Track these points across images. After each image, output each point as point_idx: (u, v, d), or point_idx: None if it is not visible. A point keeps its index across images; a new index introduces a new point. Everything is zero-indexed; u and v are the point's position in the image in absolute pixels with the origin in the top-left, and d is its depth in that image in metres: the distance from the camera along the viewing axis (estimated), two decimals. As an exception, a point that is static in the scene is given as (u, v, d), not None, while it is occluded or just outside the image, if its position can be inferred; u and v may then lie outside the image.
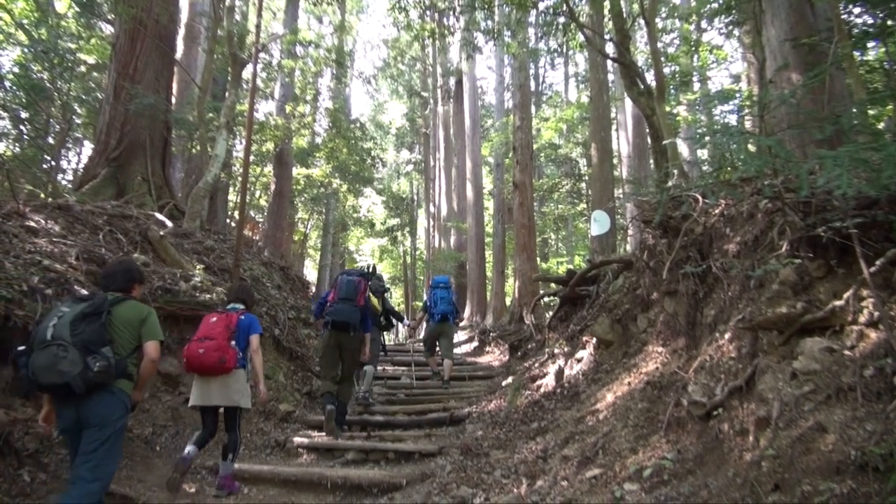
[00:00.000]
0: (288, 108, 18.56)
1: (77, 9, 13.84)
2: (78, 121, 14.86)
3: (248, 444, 6.54)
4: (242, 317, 5.19)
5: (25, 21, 13.61)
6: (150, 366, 3.74)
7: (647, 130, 9.60)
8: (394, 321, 8.66)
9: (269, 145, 17.89)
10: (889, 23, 5.60)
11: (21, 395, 4.61)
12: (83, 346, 3.37)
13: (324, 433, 6.47)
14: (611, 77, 18.53)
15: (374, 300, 7.52)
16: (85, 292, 5.37)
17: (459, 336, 13.67)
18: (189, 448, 4.87)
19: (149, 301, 6.45)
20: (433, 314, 8.88)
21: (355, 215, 29.42)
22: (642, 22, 8.99)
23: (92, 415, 3.43)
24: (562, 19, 11.06)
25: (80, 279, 6.03)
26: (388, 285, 7.54)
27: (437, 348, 9.12)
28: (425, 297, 10.00)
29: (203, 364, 4.83)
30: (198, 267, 7.95)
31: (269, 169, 19.72)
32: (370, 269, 8.10)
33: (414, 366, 10.37)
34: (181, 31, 14.10)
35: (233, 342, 4.98)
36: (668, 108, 9.56)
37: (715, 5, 12.40)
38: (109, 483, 3.71)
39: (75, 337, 3.37)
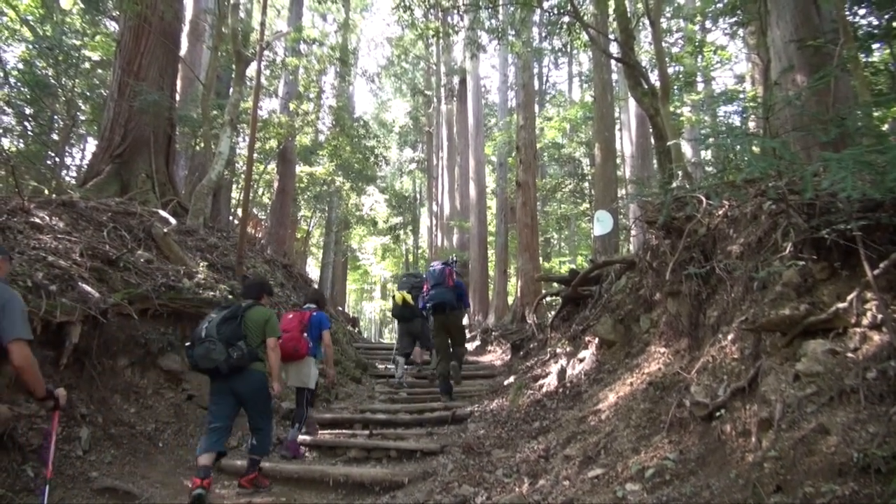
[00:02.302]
0: (292, 106, 18.57)
1: (82, 5, 13.88)
2: (82, 117, 14.88)
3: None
4: (314, 314, 6.52)
5: (30, 17, 13.65)
6: (271, 353, 5.16)
7: (651, 131, 9.60)
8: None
9: (273, 143, 17.92)
10: (895, 24, 5.60)
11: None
12: (226, 341, 4.78)
13: (326, 431, 6.54)
14: (615, 77, 18.53)
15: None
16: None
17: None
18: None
19: (152, 298, 6.48)
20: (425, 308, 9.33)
21: (358, 213, 29.42)
22: (647, 22, 8.99)
23: (240, 388, 4.94)
24: (566, 19, 11.06)
25: (84, 275, 6.05)
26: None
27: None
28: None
29: (282, 352, 5.67)
30: (201, 264, 7.97)
31: (272, 166, 19.74)
32: (453, 260, 8.88)
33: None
34: (185, 29, 14.11)
35: (305, 334, 6.24)
36: (672, 109, 9.56)
37: (720, 6, 12.38)
38: (271, 427, 5.40)
39: (220, 334, 4.79)
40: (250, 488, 5.19)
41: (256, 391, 5.02)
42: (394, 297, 9.21)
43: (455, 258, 9.94)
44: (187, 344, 4.97)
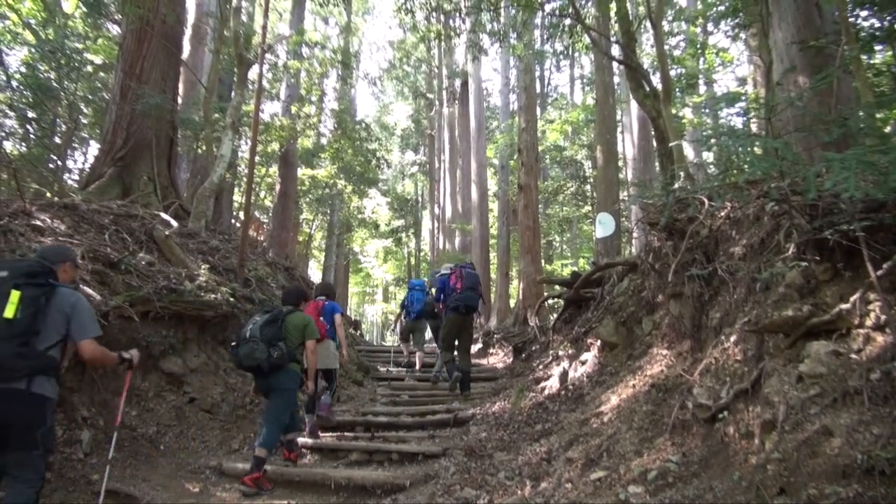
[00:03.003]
0: (293, 109, 18.59)
1: (84, 9, 13.86)
2: (84, 120, 14.89)
3: (252, 445, 6.55)
4: (326, 303, 7.17)
5: (33, 21, 13.67)
6: (311, 355, 5.79)
7: (653, 133, 9.59)
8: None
9: (275, 146, 17.92)
10: (896, 26, 5.59)
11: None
12: (267, 342, 5.26)
13: (327, 434, 6.54)
14: (616, 79, 18.51)
15: None
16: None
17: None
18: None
19: (154, 301, 6.47)
20: (409, 313, 10.57)
21: (360, 216, 29.42)
22: (649, 24, 8.99)
23: (275, 384, 5.42)
24: (568, 21, 11.06)
25: (85, 278, 6.05)
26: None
27: (410, 341, 11.08)
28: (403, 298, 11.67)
29: None
30: (203, 267, 7.96)
31: (274, 169, 19.74)
32: (471, 265, 9.39)
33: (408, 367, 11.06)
34: (188, 32, 14.13)
35: (321, 318, 6.82)
36: (673, 111, 9.54)
37: (721, 8, 12.37)
38: (285, 423, 5.67)
39: (263, 336, 5.28)
40: (253, 487, 5.11)
41: (286, 387, 5.49)
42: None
43: (471, 262, 10.75)
44: (233, 343, 5.60)
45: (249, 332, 5.33)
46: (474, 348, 14.70)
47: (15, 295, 3.24)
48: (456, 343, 8.45)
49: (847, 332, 3.01)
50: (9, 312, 3.20)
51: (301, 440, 6.39)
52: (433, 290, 9.84)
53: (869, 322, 2.92)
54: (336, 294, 8.25)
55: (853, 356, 2.86)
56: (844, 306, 3.03)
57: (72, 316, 3.46)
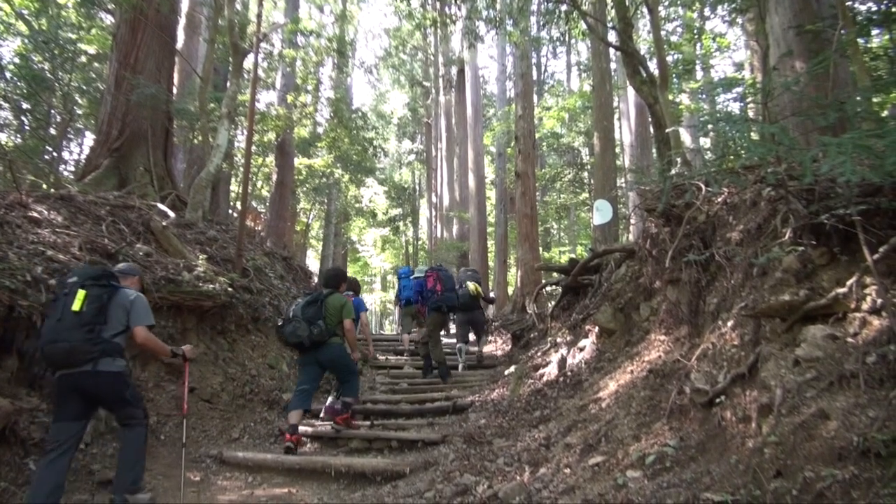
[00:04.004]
0: (289, 98, 18.52)
1: (77, -1, 13.80)
2: (79, 111, 14.82)
3: (251, 433, 6.58)
4: (352, 299, 7.31)
5: (26, 11, 13.57)
6: (348, 332, 6.28)
7: (650, 119, 9.57)
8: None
9: (271, 135, 17.87)
10: (894, 10, 5.57)
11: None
12: (308, 320, 5.97)
13: (327, 423, 6.58)
14: (613, 66, 18.46)
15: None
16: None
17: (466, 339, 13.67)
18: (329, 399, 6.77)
19: (151, 292, 6.47)
20: (401, 301, 11.01)
21: (357, 205, 29.41)
22: (645, 10, 8.93)
23: (322, 358, 6.13)
24: (564, 7, 10.99)
25: (83, 269, 6.04)
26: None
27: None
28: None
29: None
30: (200, 257, 7.95)
31: (270, 159, 19.69)
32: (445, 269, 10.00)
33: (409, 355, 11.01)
34: (182, 21, 14.02)
35: None
36: (670, 97, 9.52)
37: (718, -8, 12.30)
38: (357, 375, 6.52)
39: (304, 315, 6.01)
40: (342, 425, 6.22)
41: (336, 358, 6.21)
42: (468, 286, 9.89)
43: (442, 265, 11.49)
44: (279, 323, 6.24)
45: (293, 312, 6.11)
46: (472, 336, 14.73)
47: (81, 293, 4.08)
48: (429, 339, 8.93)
49: (843, 316, 3.02)
50: (76, 306, 4.04)
51: (301, 429, 6.43)
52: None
53: (865, 306, 2.93)
54: (360, 288, 8.89)
55: (849, 340, 2.87)
56: (841, 290, 3.04)
57: (130, 309, 4.32)
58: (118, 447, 4.56)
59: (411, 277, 10.71)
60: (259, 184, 20.91)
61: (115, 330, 4.22)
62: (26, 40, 13.16)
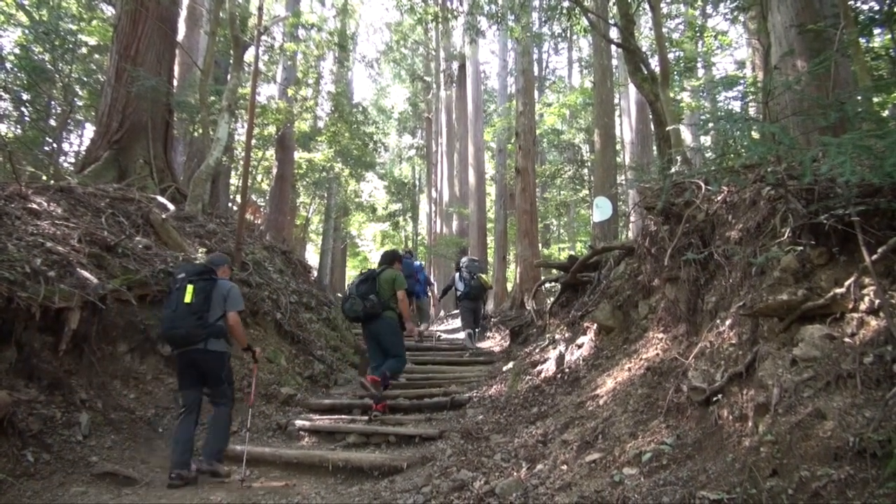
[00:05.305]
0: (290, 92, 18.48)
1: (78, -10, 13.76)
2: (79, 103, 14.80)
3: (250, 427, 6.59)
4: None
5: (26, 2, 13.55)
6: (401, 302, 6.82)
7: (651, 116, 9.55)
8: None
9: (271, 129, 17.85)
10: (895, 10, 5.56)
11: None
12: (362, 296, 6.61)
13: (325, 417, 6.61)
14: (615, 62, 18.43)
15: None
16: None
17: (459, 322, 13.73)
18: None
19: (151, 284, 6.48)
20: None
21: (357, 200, 29.34)
22: (647, 7, 8.92)
23: (375, 329, 6.77)
24: (566, 3, 10.99)
25: (82, 261, 6.05)
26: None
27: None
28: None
29: None
30: (200, 250, 7.96)
31: (270, 153, 19.67)
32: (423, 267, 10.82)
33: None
34: (183, 13, 14.01)
35: None
36: (671, 94, 9.51)
37: (721, -10, 12.29)
38: (404, 357, 7.08)
39: (358, 292, 6.66)
40: (381, 411, 6.57)
41: (387, 330, 6.76)
42: (480, 278, 10.65)
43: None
44: (342, 299, 7.09)
45: (349, 289, 6.88)
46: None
47: (190, 287, 4.94)
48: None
49: (841, 317, 3.02)
50: (187, 299, 4.91)
51: (299, 423, 6.45)
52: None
53: (863, 306, 2.94)
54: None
55: (847, 340, 2.88)
56: (839, 290, 3.05)
57: (227, 297, 5.17)
58: (208, 421, 5.30)
59: (415, 264, 10.83)
60: (259, 177, 20.90)
61: (217, 315, 5.09)
62: (27, 31, 13.14)
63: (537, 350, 7.55)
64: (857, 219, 3.02)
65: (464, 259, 11.68)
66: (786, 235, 3.52)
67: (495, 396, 6.61)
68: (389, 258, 7.24)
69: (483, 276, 10.30)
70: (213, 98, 13.35)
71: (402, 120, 35.80)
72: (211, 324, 5.01)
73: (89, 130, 16.27)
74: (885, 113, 7.14)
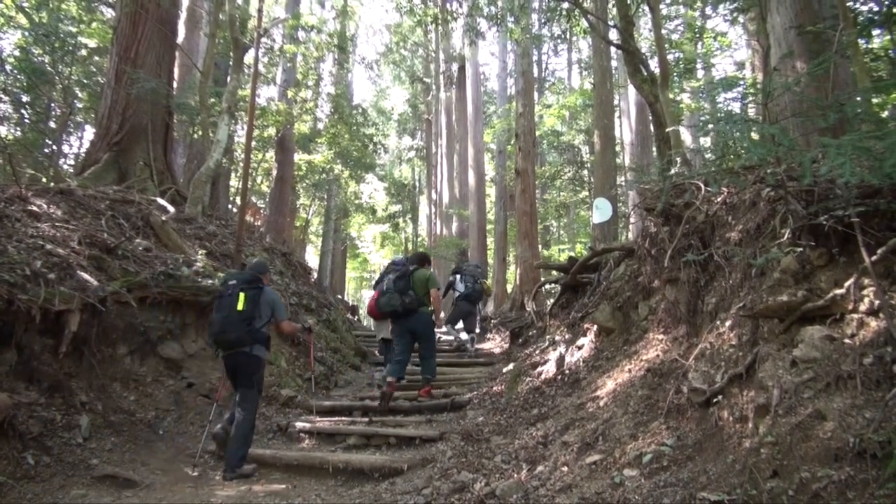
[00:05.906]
0: (290, 94, 18.49)
1: (78, -8, 13.77)
2: (79, 105, 14.82)
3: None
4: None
5: (26, 4, 13.56)
6: (434, 301, 7.24)
7: (651, 118, 9.56)
8: None
9: (271, 131, 17.86)
10: (895, 11, 5.56)
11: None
12: (398, 292, 6.88)
13: (325, 419, 6.60)
14: (614, 64, 18.44)
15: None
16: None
17: (459, 323, 13.72)
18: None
19: (151, 286, 6.48)
20: None
21: (357, 201, 29.31)
22: (646, 8, 8.93)
23: (413, 326, 6.99)
24: (565, 5, 10.99)
25: (82, 263, 6.05)
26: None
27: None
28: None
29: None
30: (200, 252, 7.96)
31: (270, 154, 19.68)
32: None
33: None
34: (183, 16, 14.01)
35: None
36: (671, 96, 9.51)
37: (720, -9, 12.30)
38: (435, 365, 7.39)
39: (396, 288, 6.90)
40: (427, 397, 7.03)
41: (424, 326, 7.09)
42: (483, 283, 10.95)
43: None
44: (376, 296, 7.17)
45: (386, 285, 6.99)
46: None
47: (242, 295, 5.26)
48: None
49: (841, 318, 3.02)
50: (240, 306, 5.21)
51: (299, 424, 6.44)
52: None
53: (863, 307, 2.94)
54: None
55: (847, 341, 2.88)
56: (839, 291, 3.05)
57: (274, 307, 5.56)
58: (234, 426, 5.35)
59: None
60: (259, 179, 20.91)
61: (263, 321, 5.44)
62: (27, 33, 13.16)
63: (537, 351, 7.55)
64: (857, 220, 3.02)
65: (467, 264, 11.81)
66: (785, 237, 3.51)
67: (495, 398, 6.60)
68: (421, 259, 7.64)
69: (486, 282, 10.43)
70: (212, 100, 13.36)
71: (401, 121, 35.82)
72: (258, 330, 5.34)
73: (89, 132, 16.30)
74: (885, 114, 7.14)
